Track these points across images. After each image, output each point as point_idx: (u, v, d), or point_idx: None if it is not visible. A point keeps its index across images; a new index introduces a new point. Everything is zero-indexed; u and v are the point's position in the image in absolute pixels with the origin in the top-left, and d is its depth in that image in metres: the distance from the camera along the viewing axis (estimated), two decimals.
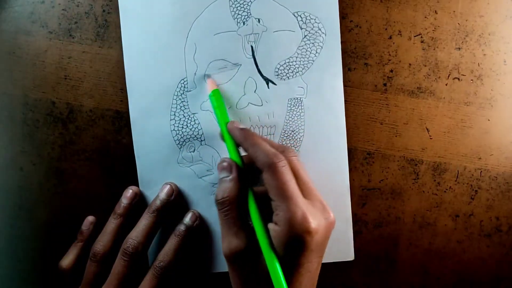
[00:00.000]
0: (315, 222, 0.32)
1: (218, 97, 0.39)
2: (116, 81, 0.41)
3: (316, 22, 0.41)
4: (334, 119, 0.41)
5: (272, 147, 0.35)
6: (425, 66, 0.42)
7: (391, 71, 0.42)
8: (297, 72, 0.41)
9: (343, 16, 0.41)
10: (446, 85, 0.42)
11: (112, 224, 0.40)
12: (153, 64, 0.40)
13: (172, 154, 0.41)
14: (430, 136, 0.42)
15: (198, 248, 0.42)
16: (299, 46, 0.41)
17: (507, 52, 0.42)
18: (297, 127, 0.41)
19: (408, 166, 0.43)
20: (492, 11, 0.41)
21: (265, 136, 0.41)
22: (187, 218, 0.41)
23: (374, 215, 0.43)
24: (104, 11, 0.41)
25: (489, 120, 0.42)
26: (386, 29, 0.41)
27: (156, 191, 0.41)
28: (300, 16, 0.41)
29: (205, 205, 0.42)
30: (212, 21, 0.40)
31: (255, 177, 0.35)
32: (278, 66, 0.41)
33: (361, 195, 0.43)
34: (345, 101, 0.42)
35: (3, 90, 0.41)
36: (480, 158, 0.42)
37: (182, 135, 0.41)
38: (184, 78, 0.40)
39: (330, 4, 0.41)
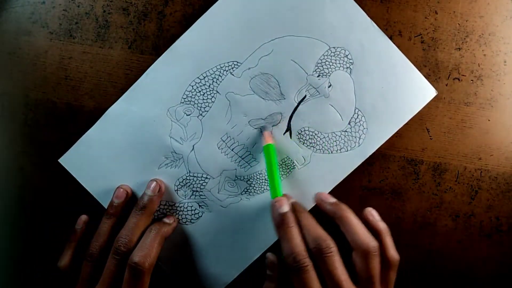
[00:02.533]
0: None
1: (273, 151, 0.39)
2: (116, 81, 0.41)
3: (363, 131, 0.41)
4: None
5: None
6: (425, 66, 0.42)
7: None
8: (313, 146, 0.42)
9: None
10: (446, 85, 0.42)
11: (105, 224, 0.40)
12: (231, 27, 0.40)
13: (171, 100, 0.41)
14: (430, 136, 0.42)
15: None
16: (334, 132, 0.41)
17: (507, 53, 0.42)
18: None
19: (408, 166, 0.43)
20: (492, 11, 0.41)
21: (242, 161, 0.42)
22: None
23: None
24: (104, 11, 0.41)
25: (489, 120, 0.42)
26: (386, 29, 0.41)
27: (134, 108, 0.41)
28: (358, 114, 0.41)
29: (150, 159, 0.41)
30: (300, 50, 0.40)
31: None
32: (306, 129, 0.41)
33: (361, 195, 0.43)
34: None
35: (3, 90, 0.42)
36: (480, 159, 0.43)
37: (193, 96, 0.41)
38: (240, 63, 0.41)
39: (383, 129, 0.41)
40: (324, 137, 0.41)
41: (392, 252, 0.38)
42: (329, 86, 0.41)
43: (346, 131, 0.41)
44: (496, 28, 0.41)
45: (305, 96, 0.41)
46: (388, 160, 0.43)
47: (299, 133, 0.41)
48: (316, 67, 0.41)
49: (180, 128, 0.41)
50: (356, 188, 0.43)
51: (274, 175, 0.39)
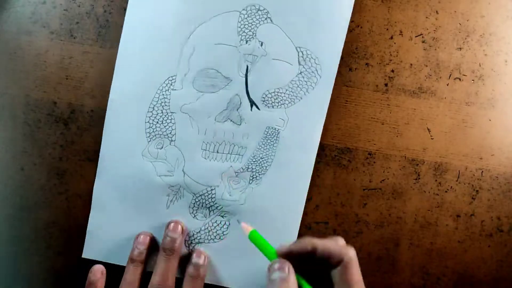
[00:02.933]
0: None
1: (258, 235, 0.37)
2: None
3: (315, 62, 0.41)
4: (304, 159, 0.42)
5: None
6: (426, 66, 0.42)
7: (392, 71, 0.42)
8: (282, 103, 0.41)
9: None
10: (447, 85, 0.42)
11: (133, 272, 0.39)
12: (148, 52, 0.40)
13: (139, 145, 0.41)
14: (431, 136, 0.42)
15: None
16: (292, 80, 0.41)
17: (508, 52, 0.42)
18: (267, 155, 0.42)
19: (409, 166, 0.43)
20: (493, 11, 0.41)
21: (233, 156, 0.42)
22: (194, 257, 0.40)
23: (375, 215, 0.43)
24: (105, 11, 0.41)
25: (490, 120, 0.42)
26: (387, 29, 0.41)
27: (111, 176, 0.41)
28: (302, 52, 0.41)
29: (155, 204, 0.42)
30: (217, 31, 0.40)
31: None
32: (267, 93, 0.41)
33: (362, 195, 0.43)
34: (346, 101, 0.42)
35: (4, 90, 0.41)
36: (481, 158, 0.43)
37: (155, 130, 0.41)
38: (174, 76, 0.40)
39: (333, 48, 0.41)
40: (287, 90, 0.41)
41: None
42: (261, 45, 0.40)
43: (301, 72, 0.41)
44: (497, 28, 0.41)
45: (247, 67, 0.41)
46: (389, 160, 0.42)
47: (263, 100, 0.41)
48: (240, 36, 0.40)
49: (162, 164, 0.41)
50: (356, 188, 0.43)
51: (268, 252, 0.36)
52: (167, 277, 0.38)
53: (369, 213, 0.43)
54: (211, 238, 0.42)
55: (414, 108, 0.42)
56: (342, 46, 0.41)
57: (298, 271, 0.32)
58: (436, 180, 0.43)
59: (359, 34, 0.41)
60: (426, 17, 0.41)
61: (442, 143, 0.42)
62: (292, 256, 0.32)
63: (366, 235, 0.43)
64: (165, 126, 0.41)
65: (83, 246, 0.42)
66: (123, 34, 0.40)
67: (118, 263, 0.42)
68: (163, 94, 0.41)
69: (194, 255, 0.41)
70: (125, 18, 0.40)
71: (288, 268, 0.32)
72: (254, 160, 0.42)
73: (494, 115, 0.42)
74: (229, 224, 0.42)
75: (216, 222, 0.42)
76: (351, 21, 0.41)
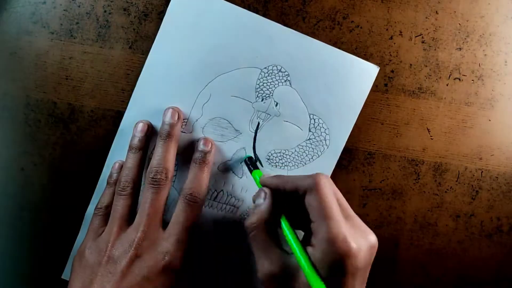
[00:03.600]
0: (355, 244, 0.30)
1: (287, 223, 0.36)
2: (117, 81, 0.41)
3: (325, 132, 0.41)
4: None
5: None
6: (426, 66, 0.42)
7: (392, 71, 0.42)
8: (286, 165, 0.42)
9: (344, 17, 0.41)
10: (447, 85, 0.42)
11: (131, 159, 0.39)
12: (164, 91, 0.40)
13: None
14: (431, 136, 0.42)
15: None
16: (300, 145, 0.42)
17: (508, 53, 0.42)
18: None
19: (409, 166, 0.43)
20: (493, 11, 0.41)
21: (228, 207, 0.42)
22: (200, 144, 0.40)
23: (375, 215, 0.43)
24: (105, 11, 0.41)
25: (490, 120, 0.42)
26: (387, 29, 0.41)
27: None
28: (315, 119, 0.41)
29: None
30: (235, 84, 0.41)
31: (289, 206, 0.35)
32: (272, 152, 0.42)
33: (362, 195, 0.43)
34: None
35: (4, 90, 0.42)
36: (481, 159, 0.43)
37: None
38: (185, 119, 0.41)
39: (345, 123, 0.41)
40: (292, 153, 0.42)
41: None
42: (276, 105, 0.41)
43: (309, 139, 0.42)
44: (496, 28, 0.41)
45: (258, 123, 0.41)
46: (389, 160, 0.43)
47: (268, 159, 0.42)
48: (257, 93, 0.41)
49: None
50: (356, 188, 0.43)
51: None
52: (167, 160, 0.38)
53: (369, 213, 0.43)
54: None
55: (414, 108, 0.42)
56: (355, 122, 0.41)
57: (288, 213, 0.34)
58: (435, 180, 0.43)
59: (358, 34, 0.41)
60: (426, 17, 0.41)
61: (441, 143, 0.42)
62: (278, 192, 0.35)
63: None
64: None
65: None
66: (144, 69, 0.40)
67: None
68: None
69: (201, 142, 0.40)
70: (149, 54, 0.40)
71: (267, 195, 0.34)
72: (247, 215, 0.42)
73: (494, 116, 0.42)
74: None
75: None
76: (351, 21, 0.41)
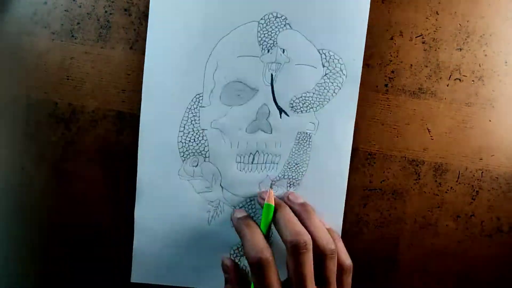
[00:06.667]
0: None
1: (271, 212, 0.39)
2: (118, 82, 0.41)
3: (339, 62, 0.41)
4: (339, 160, 0.42)
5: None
6: (427, 67, 0.42)
7: (393, 72, 0.42)
8: (311, 107, 0.41)
9: None
10: (448, 85, 0.42)
11: None
12: (172, 73, 0.40)
13: (174, 165, 0.41)
14: (431, 136, 0.42)
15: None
16: (318, 83, 0.41)
17: (508, 53, 0.42)
18: (302, 161, 0.42)
19: (409, 166, 0.43)
20: (493, 12, 0.41)
21: (268, 165, 0.42)
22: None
23: (375, 216, 0.43)
24: (106, 12, 0.41)
25: (490, 120, 0.42)
26: (387, 30, 0.41)
27: (150, 199, 0.41)
28: (325, 54, 0.41)
29: (197, 221, 0.42)
30: (238, 43, 0.40)
31: None
32: (294, 99, 0.41)
33: (362, 196, 0.43)
34: None
35: (5, 90, 0.42)
36: (481, 159, 0.43)
37: (188, 148, 0.41)
38: (200, 93, 0.41)
39: (356, 47, 0.41)
40: (314, 93, 0.41)
41: (344, 257, 0.38)
42: (283, 52, 0.40)
43: (326, 74, 0.41)
44: (497, 29, 0.41)
45: (272, 75, 0.41)
46: (389, 160, 0.43)
47: (291, 106, 0.41)
48: (261, 45, 0.40)
49: (199, 181, 0.41)
50: (357, 188, 0.43)
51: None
52: None
53: (369, 213, 0.43)
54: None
55: (414, 108, 0.42)
56: (364, 44, 0.41)
57: None
58: (436, 181, 0.43)
59: None
60: (426, 18, 0.41)
61: (442, 143, 0.42)
62: None
63: (366, 235, 0.43)
64: (197, 144, 0.41)
65: (83, 246, 0.42)
66: (146, 59, 0.40)
67: (167, 284, 0.42)
68: (192, 112, 0.41)
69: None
70: (147, 43, 0.40)
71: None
72: (289, 167, 0.42)
73: (494, 116, 0.42)
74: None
75: None
76: None
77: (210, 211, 0.42)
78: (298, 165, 0.42)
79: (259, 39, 0.40)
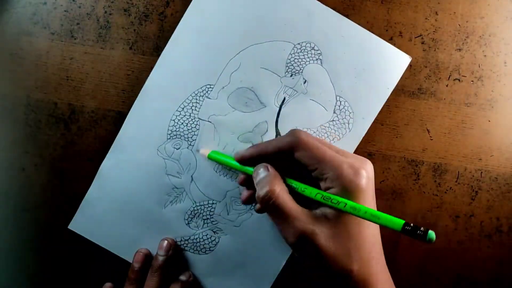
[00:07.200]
0: (361, 167, 0.34)
1: (218, 153, 0.40)
2: (118, 82, 0.41)
3: (350, 116, 0.41)
4: None
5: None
6: (426, 67, 0.42)
7: None
8: None
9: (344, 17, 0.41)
10: (447, 86, 0.42)
11: None
12: (195, 54, 0.41)
13: (158, 138, 0.41)
14: (430, 137, 0.42)
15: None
16: (323, 125, 0.41)
17: (508, 53, 0.42)
18: None
19: (408, 167, 0.43)
20: (492, 12, 0.41)
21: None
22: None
23: None
24: (106, 12, 0.41)
25: (489, 121, 0.42)
26: (387, 30, 0.41)
27: (122, 158, 0.41)
28: (340, 101, 0.41)
29: (154, 200, 0.42)
30: (267, 55, 0.41)
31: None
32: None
33: None
34: None
35: (5, 91, 0.42)
36: (480, 159, 0.43)
37: (177, 130, 0.41)
38: (212, 85, 0.41)
39: (371, 107, 0.41)
40: (314, 132, 0.41)
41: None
42: (304, 82, 0.41)
43: (333, 120, 0.41)
44: (496, 29, 0.42)
45: (284, 98, 0.41)
46: (389, 160, 0.43)
47: None
48: (287, 67, 0.41)
49: (174, 164, 0.41)
50: None
51: (231, 164, 0.39)
52: None
53: None
54: (197, 250, 0.42)
55: (413, 109, 0.42)
56: (380, 109, 0.41)
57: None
58: (435, 181, 0.43)
59: None
60: (426, 18, 0.41)
61: (441, 144, 0.42)
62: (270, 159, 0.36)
63: None
64: (188, 130, 0.41)
65: (83, 246, 0.42)
66: (177, 29, 0.40)
67: (100, 245, 0.42)
68: (196, 99, 0.41)
69: (182, 275, 0.42)
70: (184, 16, 0.40)
71: (268, 167, 0.36)
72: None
73: (494, 116, 0.42)
74: (218, 241, 0.42)
75: (207, 235, 0.42)
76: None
77: (170, 195, 0.42)
78: None
79: (288, 61, 0.41)
